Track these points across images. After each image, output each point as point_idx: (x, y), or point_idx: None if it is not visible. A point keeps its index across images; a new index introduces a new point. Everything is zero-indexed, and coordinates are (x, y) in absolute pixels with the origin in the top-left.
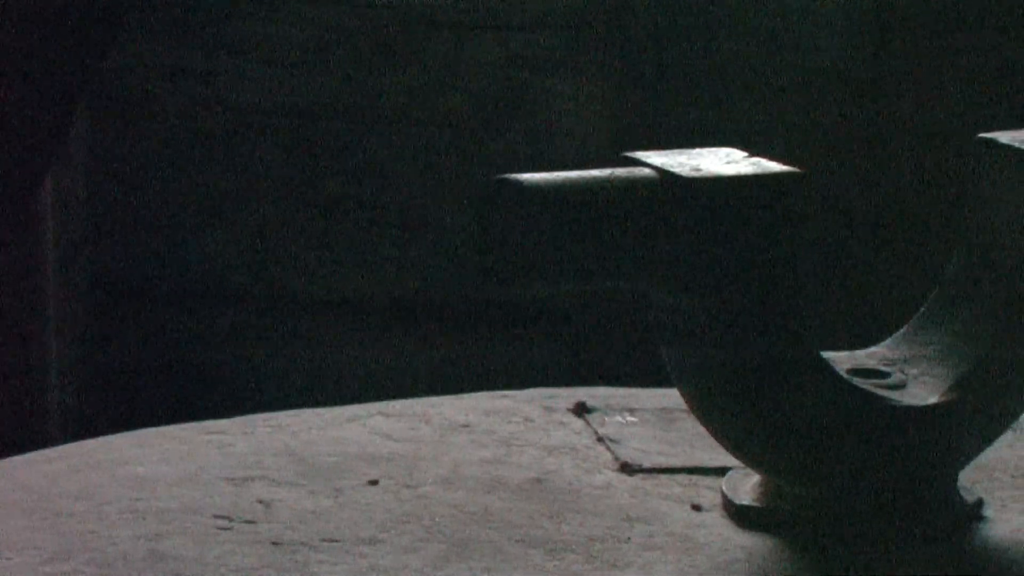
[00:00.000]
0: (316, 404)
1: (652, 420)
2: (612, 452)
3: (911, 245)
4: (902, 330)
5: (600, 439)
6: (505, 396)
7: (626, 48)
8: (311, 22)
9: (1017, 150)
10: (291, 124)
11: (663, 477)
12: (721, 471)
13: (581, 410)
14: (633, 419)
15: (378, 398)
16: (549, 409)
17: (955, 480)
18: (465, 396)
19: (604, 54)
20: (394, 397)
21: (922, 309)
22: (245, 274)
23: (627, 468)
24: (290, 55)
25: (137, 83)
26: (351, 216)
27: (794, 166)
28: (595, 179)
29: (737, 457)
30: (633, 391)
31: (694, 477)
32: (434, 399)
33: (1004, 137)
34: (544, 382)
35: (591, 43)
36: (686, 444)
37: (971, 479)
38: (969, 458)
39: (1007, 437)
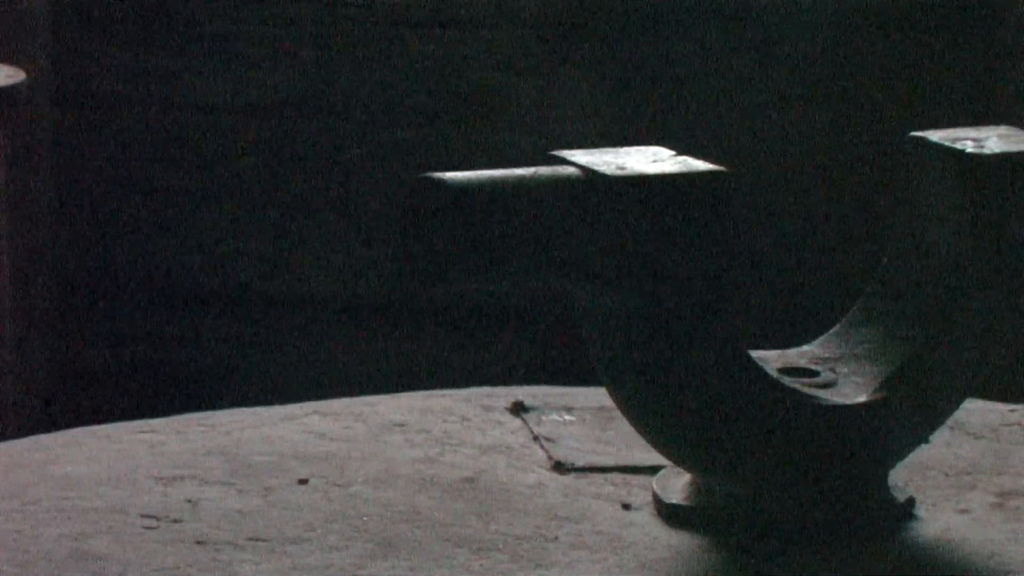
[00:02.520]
0: (283, 403)
1: (590, 419)
2: (547, 451)
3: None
4: (834, 328)
5: (536, 438)
6: (443, 395)
7: (594, 46)
8: (277, 20)
9: (948, 148)
10: (257, 123)
11: (595, 476)
12: (654, 470)
13: (519, 409)
14: (571, 418)
15: (344, 396)
16: (487, 408)
17: (886, 479)
18: (403, 395)
19: (573, 52)
20: (360, 396)
21: (855, 307)
22: (211, 274)
23: (560, 467)
24: (256, 54)
25: (102, 83)
26: (318, 215)
27: (722, 164)
28: (519, 177)
29: (666, 456)
30: (573, 390)
31: (627, 476)
32: (371, 398)
33: (935, 135)
34: (513, 380)
35: (559, 41)
36: (622, 443)
37: (906, 478)
38: (900, 457)
39: (944, 436)
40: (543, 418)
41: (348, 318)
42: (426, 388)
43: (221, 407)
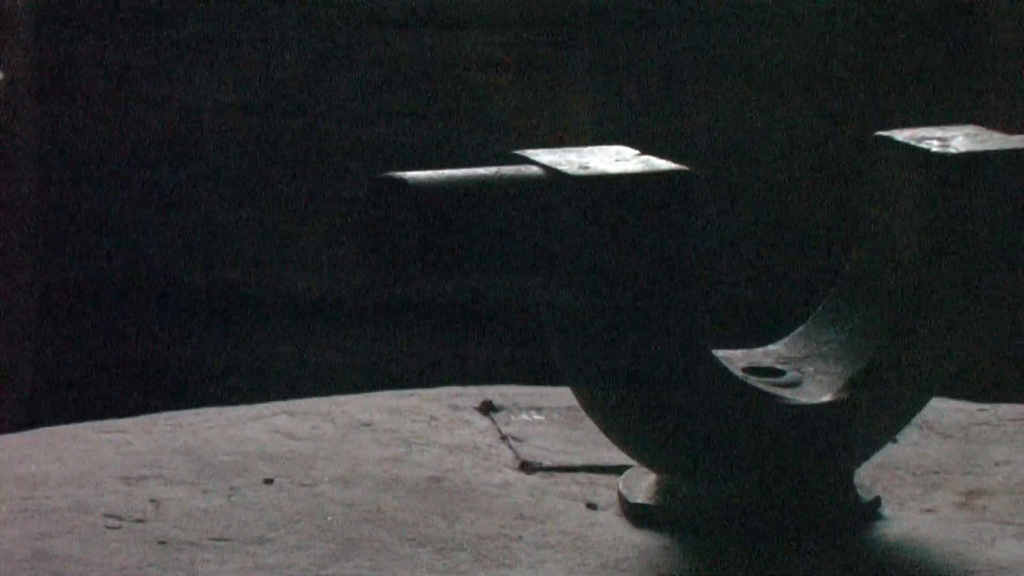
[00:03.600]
0: (265, 402)
1: (559, 419)
2: (514, 451)
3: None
4: (800, 328)
5: (504, 438)
6: (413, 395)
7: (571, 46)
8: (261, 20)
9: (913, 147)
10: (242, 122)
11: (562, 476)
12: (621, 470)
13: (488, 409)
14: (540, 417)
15: (327, 395)
16: (456, 408)
17: (852, 478)
18: (372, 394)
19: (551, 51)
20: (343, 393)
21: (821, 306)
22: (195, 272)
23: (527, 467)
24: (240, 53)
25: (87, 82)
26: (301, 214)
27: (685, 164)
28: (481, 177)
29: (629, 455)
30: (543, 389)
31: (593, 476)
32: (341, 397)
33: (901, 135)
34: (486, 379)
35: (538, 41)
36: (590, 443)
37: (873, 477)
38: (865, 456)
39: (913, 435)
40: (512, 418)
41: (333, 318)
42: (414, 387)
43: (195, 406)
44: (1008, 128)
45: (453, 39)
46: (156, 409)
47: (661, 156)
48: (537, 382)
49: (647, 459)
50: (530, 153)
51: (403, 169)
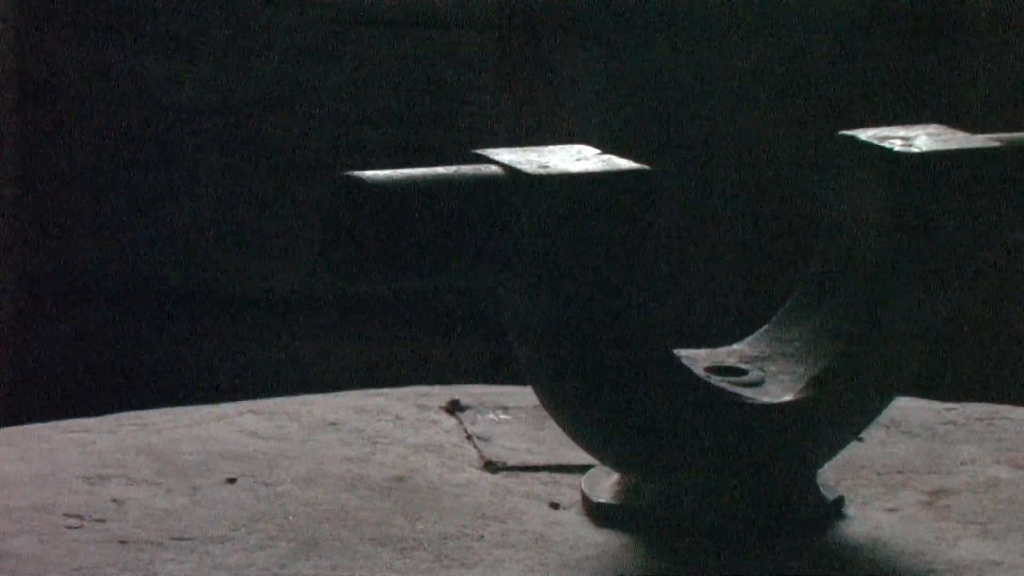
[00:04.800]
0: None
1: (525, 418)
2: (479, 450)
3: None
4: (764, 327)
5: (469, 437)
6: (380, 394)
7: (548, 47)
8: (240, 19)
9: (876, 147)
10: (222, 122)
11: (525, 475)
12: (584, 469)
13: (455, 408)
14: (506, 417)
15: (296, 394)
16: (422, 407)
17: (815, 478)
18: (339, 394)
19: (530, 52)
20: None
21: (785, 305)
22: (176, 273)
23: (490, 466)
24: (219, 52)
25: (66, 82)
26: (283, 214)
27: (644, 164)
28: (440, 176)
29: (591, 455)
30: (510, 389)
31: (556, 475)
32: (307, 397)
33: (864, 134)
34: (456, 379)
35: (517, 42)
36: (555, 442)
37: (838, 477)
38: (828, 456)
39: (880, 435)
40: (479, 417)
41: (309, 316)
42: (382, 386)
43: (173, 406)
44: (981, 128)
45: (436, 39)
46: (132, 408)
47: (646, 158)
48: (506, 381)
49: (608, 459)
50: (490, 152)
51: (385, 170)
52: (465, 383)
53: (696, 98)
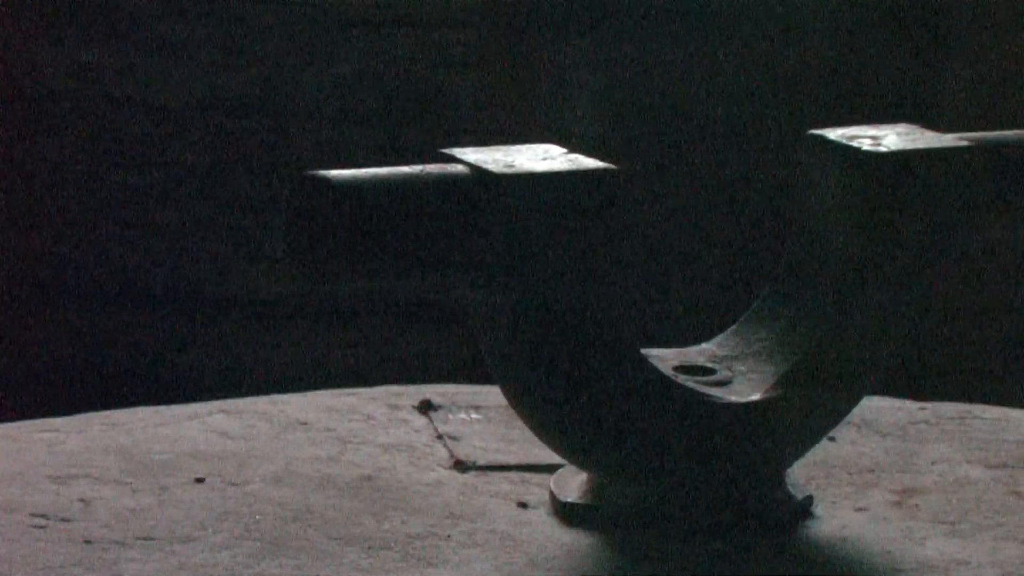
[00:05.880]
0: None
1: (496, 417)
2: (449, 449)
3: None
4: (733, 326)
5: (440, 436)
6: (352, 393)
7: (531, 45)
8: (226, 19)
9: (844, 146)
10: (207, 122)
11: (494, 475)
12: (554, 469)
13: (426, 407)
14: (477, 416)
15: (268, 393)
16: (394, 407)
17: (783, 477)
18: (311, 393)
19: (513, 51)
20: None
21: (753, 304)
22: (162, 274)
23: (460, 466)
24: (205, 53)
25: (52, 82)
26: (268, 215)
27: (610, 162)
28: (405, 175)
29: (558, 454)
30: (482, 388)
31: (526, 475)
32: (278, 396)
33: (833, 133)
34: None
35: (501, 40)
36: (525, 441)
37: (808, 476)
38: (796, 455)
39: (850, 434)
40: (450, 416)
41: (304, 318)
42: (354, 386)
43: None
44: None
45: (420, 39)
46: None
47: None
48: (480, 381)
49: (576, 459)
50: (456, 152)
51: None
52: (438, 382)
53: (680, 95)
